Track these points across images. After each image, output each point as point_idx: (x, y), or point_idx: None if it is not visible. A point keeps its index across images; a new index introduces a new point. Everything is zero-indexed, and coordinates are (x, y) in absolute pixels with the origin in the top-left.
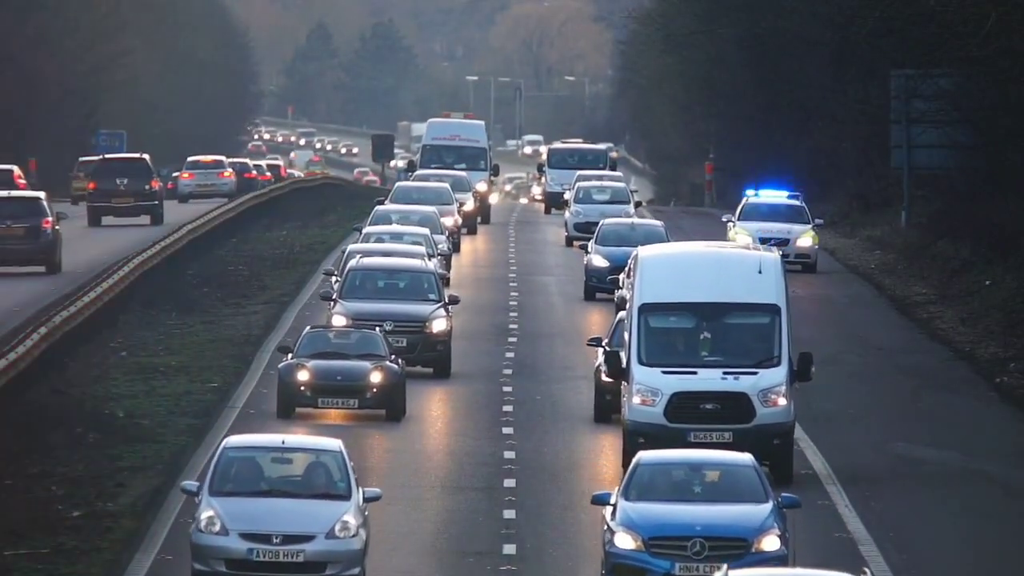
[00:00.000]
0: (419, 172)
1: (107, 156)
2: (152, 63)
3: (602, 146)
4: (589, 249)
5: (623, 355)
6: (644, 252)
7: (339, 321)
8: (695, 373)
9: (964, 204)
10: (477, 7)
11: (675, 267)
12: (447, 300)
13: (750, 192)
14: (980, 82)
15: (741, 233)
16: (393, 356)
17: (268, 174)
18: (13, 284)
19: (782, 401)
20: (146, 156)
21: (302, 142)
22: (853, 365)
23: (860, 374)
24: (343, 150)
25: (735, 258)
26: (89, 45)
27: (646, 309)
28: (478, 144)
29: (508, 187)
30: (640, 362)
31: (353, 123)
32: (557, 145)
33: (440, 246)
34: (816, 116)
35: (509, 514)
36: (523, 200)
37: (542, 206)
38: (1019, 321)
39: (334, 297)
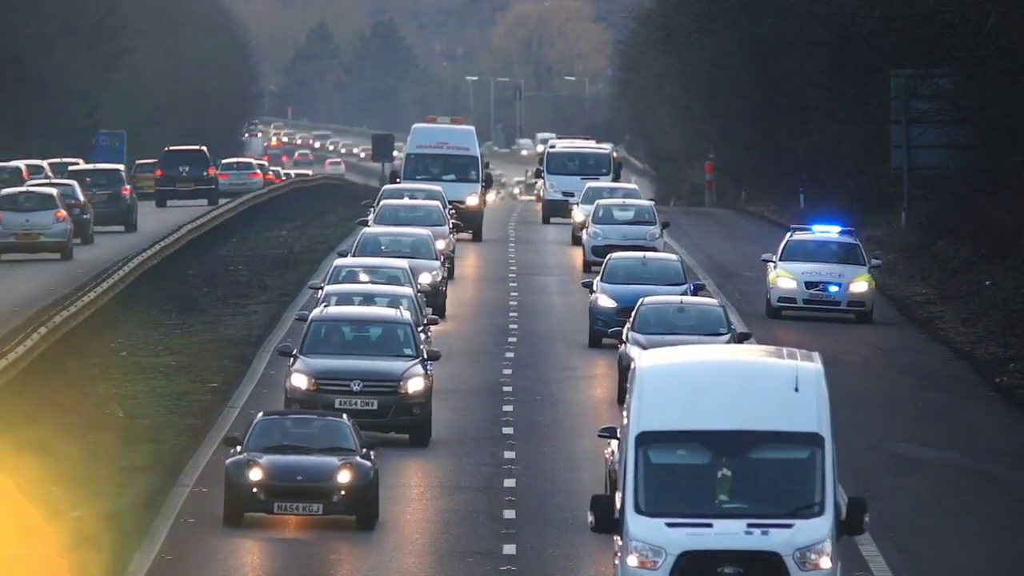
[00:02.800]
0: (388, 188)
1: (171, 148)
2: (152, 63)
3: (605, 147)
4: (594, 287)
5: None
6: (644, 361)
7: (299, 380)
8: (710, 526)
9: (964, 204)
10: (477, 7)
11: (684, 382)
12: (425, 355)
13: (796, 227)
14: (980, 82)
15: (783, 276)
16: (365, 450)
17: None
18: (35, 269)
19: (825, 563)
20: (204, 148)
21: (316, 144)
22: (853, 365)
23: (860, 374)
24: (362, 154)
25: (763, 369)
26: (89, 45)
27: (646, 440)
28: (468, 152)
29: (515, 190)
30: (637, 511)
31: (353, 123)
32: (556, 148)
33: (433, 273)
34: (816, 116)
35: (509, 514)
36: (523, 197)
37: (541, 208)
38: (1019, 321)
39: (294, 352)
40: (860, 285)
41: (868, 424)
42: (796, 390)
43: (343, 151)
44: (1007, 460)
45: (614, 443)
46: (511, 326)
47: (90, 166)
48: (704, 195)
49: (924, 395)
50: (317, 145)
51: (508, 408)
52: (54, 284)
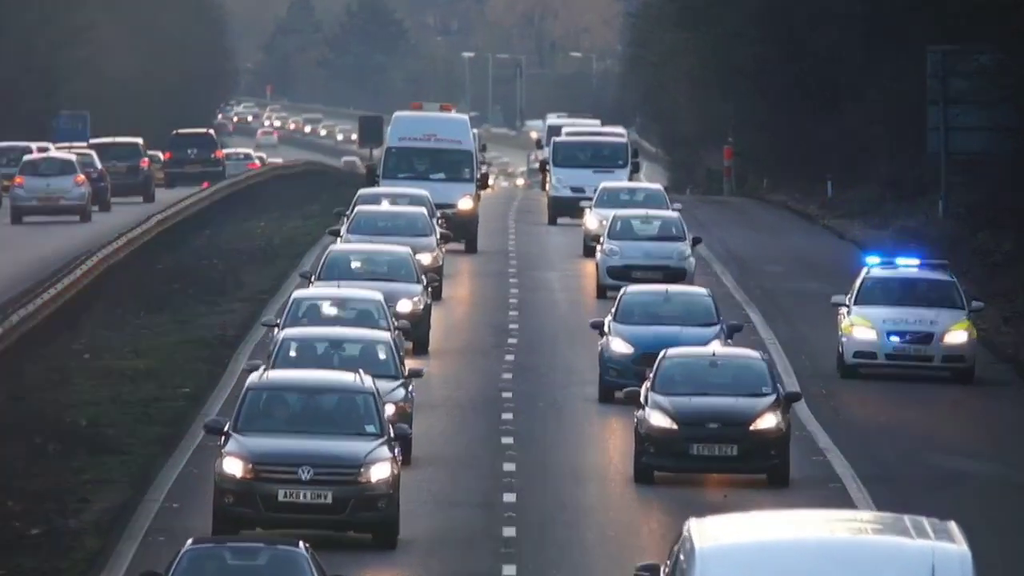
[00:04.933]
0: (364, 192)
1: (179, 132)
2: (117, 38)
3: (619, 133)
4: (607, 328)
5: None
6: (704, 539)
7: (233, 466)
8: None
9: (1006, 192)
10: None
11: (762, 572)
12: (391, 434)
13: (871, 260)
14: (1023, 58)
15: (860, 323)
16: None
17: None
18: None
19: None
20: (211, 131)
21: (307, 128)
22: (886, 368)
23: (893, 378)
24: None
25: (883, 555)
26: (47, 19)
27: None
28: (460, 146)
29: (519, 181)
30: None
31: (339, 103)
32: (564, 136)
33: (414, 300)
34: (846, 96)
35: (509, 532)
36: (522, 182)
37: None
38: None
39: (226, 429)
40: (958, 335)
41: (902, 434)
42: None
43: (337, 135)
44: None
45: None
46: (506, 374)
47: (109, 140)
48: (722, 183)
49: (964, 401)
50: (308, 129)
51: (507, 416)
52: (74, 244)
